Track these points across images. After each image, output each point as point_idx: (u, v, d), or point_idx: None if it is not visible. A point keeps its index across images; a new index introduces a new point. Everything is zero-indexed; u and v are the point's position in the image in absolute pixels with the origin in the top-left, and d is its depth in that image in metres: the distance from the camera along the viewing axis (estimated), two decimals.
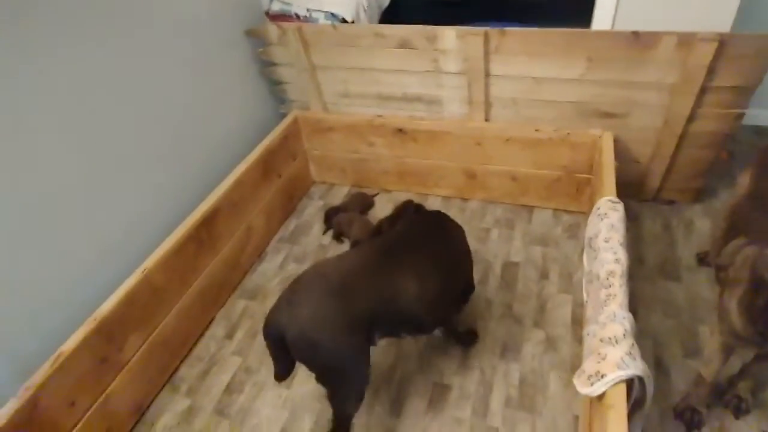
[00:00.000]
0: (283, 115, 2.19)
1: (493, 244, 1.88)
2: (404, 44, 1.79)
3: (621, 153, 1.80)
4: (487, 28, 1.65)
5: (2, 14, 1.18)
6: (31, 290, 1.31)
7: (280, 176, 2.07)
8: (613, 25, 1.66)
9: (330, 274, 1.17)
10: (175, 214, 1.69)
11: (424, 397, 1.43)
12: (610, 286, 1.20)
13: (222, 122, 1.96)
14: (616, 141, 1.76)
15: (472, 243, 1.88)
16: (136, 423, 1.46)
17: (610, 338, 1.08)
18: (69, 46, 1.33)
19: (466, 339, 1.52)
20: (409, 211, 1.56)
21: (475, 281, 1.73)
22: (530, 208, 2.01)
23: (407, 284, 1.20)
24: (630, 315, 1.13)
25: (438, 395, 1.43)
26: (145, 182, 1.63)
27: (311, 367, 1.17)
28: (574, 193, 1.90)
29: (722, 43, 1.47)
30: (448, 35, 1.71)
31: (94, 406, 1.31)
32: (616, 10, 1.69)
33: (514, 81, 1.76)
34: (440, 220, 1.40)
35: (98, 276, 1.47)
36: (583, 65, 1.64)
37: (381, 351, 1.56)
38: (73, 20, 1.33)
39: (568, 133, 1.77)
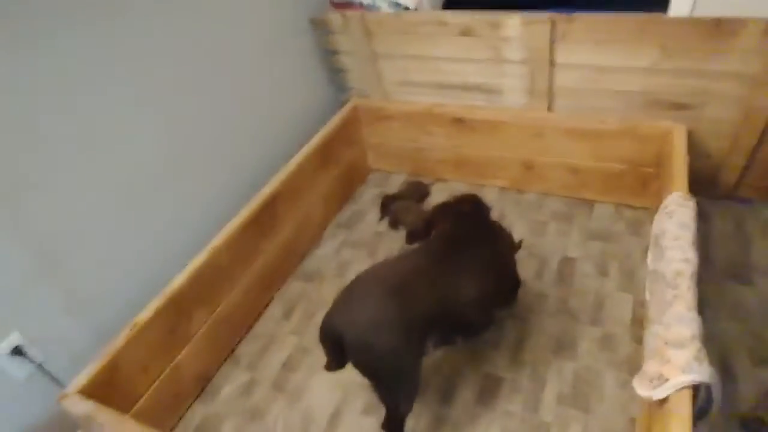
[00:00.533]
0: (343, 103, 2.23)
1: (549, 237, 1.84)
2: (467, 32, 1.77)
3: (692, 146, 1.71)
4: (554, 14, 1.60)
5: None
6: (110, 263, 1.42)
7: (338, 163, 2.11)
8: (692, 11, 1.56)
9: (388, 278, 1.18)
10: (240, 197, 1.76)
11: (474, 389, 1.43)
12: (677, 286, 1.16)
13: (284, 109, 2.02)
14: (687, 134, 1.67)
15: (528, 236, 1.86)
16: (202, 391, 1.55)
17: (675, 340, 1.05)
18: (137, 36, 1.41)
19: None
20: (452, 208, 1.49)
21: (531, 275, 1.71)
22: (590, 203, 1.95)
23: (465, 286, 1.21)
24: (698, 317, 1.09)
25: (488, 387, 1.43)
26: (214, 165, 1.71)
27: (366, 370, 1.17)
28: (639, 187, 1.83)
29: None
30: (513, 22, 1.67)
31: (165, 373, 1.41)
32: None
33: (580, 70, 1.70)
34: (484, 217, 1.40)
35: (169, 252, 1.56)
36: (655, 54, 1.56)
37: None
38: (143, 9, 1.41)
39: (635, 125, 1.70)
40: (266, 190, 1.72)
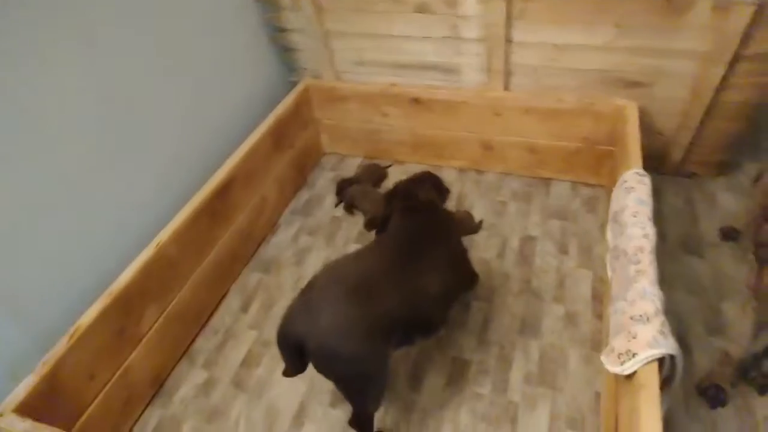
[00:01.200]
0: (294, 84, 2.13)
1: (510, 217, 1.84)
2: (422, 9, 1.71)
3: (644, 124, 1.74)
4: None
5: None
6: (50, 265, 1.29)
7: (292, 146, 2.02)
8: None
9: (348, 278, 1.13)
10: (188, 186, 1.64)
11: (443, 373, 1.42)
12: (638, 262, 1.17)
13: (232, 90, 1.90)
14: (640, 112, 1.70)
15: (489, 216, 1.85)
16: (155, 394, 1.46)
17: (641, 316, 1.06)
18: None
19: None
20: (409, 197, 1.40)
21: (493, 255, 1.71)
22: (548, 181, 1.96)
23: (427, 284, 1.17)
24: (660, 292, 1.11)
25: (457, 371, 1.42)
26: (158, 154, 1.58)
27: (331, 376, 1.12)
28: (595, 165, 1.86)
29: (761, 6, 1.40)
30: (470, 0, 1.63)
31: (114, 379, 1.30)
32: None
33: (536, 48, 1.69)
34: (441, 209, 1.38)
35: (114, 250, 1.44)
36: (611, 32, 1.57)
37: None
38: None
39: (592, 103, 1.71)
40: (218, 176, 1.62)
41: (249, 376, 1.48)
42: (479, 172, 2.06)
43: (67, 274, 1.33)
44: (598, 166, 1.86)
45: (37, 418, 1.07)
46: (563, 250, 1.70)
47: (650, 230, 1.24)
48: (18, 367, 1.17)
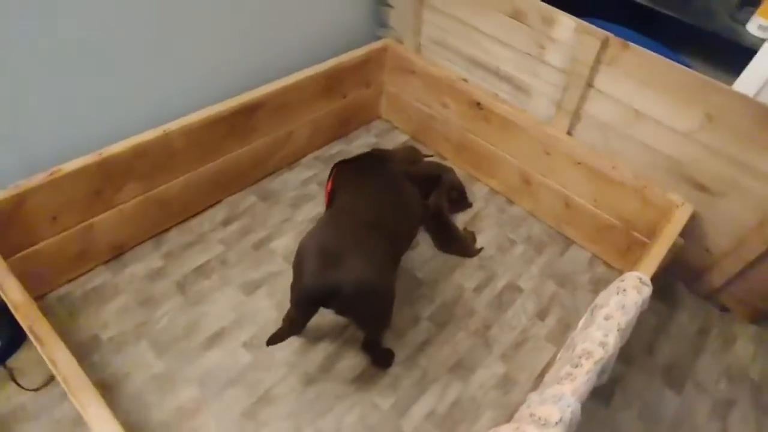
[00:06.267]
0: (377, 38, 2.07)
1: (511, 259, 1.74)
2: (517, 15, 1.58)
3: (694, 232, 1.55)
4: (609, 35, 1.41)
5: None
6: (67, 102, 1.36)
7: (344, 97, 1.99)
8: (757, 94, 1.36)
9: (359, 214, 1.25)
10: (232, 90, 1.65)
11: (356, 369, 1.40)
12: (577, 366, 1.07)
13: (316, 18, 1.87)
14: (694, 218, 1.51)
15: (492, 248, 1.76)
16: (111, 259, 1.55)
17: (539, 419, 0.97)
18: None
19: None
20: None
21: (471, 286, 1.63)
22: (569, 242, 1.82)
23: (412, 212, 1.42)
24: (578, 406, 1.01)
25: (370, 374, 1.39)
26: (217, 48, 1.61)
27: (362, 312, 1.20)
28: (623, 249, 1.69)
29: None
30: (566, 24, 1.48)
31: (75, 228, 1.39)
32: None
33: (614, 104, 1.52)
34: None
35: (134, 116, 1.48)
36: (698, 120, 1.38)
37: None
38: None
39: (646, 186, 1.54)
40: (247, 97, 1.62)
41: (195, 283, 1.54)
42: (509, 201, 1.94)
43: (79, 118, 1.40)
44: (626, 252, 1.69)
45: None
46: (541, 316, 1.59)
47: (612, 340, 1.12)
48: None
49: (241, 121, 1.64)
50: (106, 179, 1.40)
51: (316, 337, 1.45)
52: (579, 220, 1.75)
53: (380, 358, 1.41)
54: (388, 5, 1.98)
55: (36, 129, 1.34)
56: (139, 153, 1.42)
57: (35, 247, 1.33)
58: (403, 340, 1.48)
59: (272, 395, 1.32)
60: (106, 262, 1.55)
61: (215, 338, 1.42)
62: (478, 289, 1.63)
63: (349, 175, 1.45)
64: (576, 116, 1.63)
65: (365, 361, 1.41)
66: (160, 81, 1.53)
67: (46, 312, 1.09)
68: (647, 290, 1.24)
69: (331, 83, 1.88)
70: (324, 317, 1.35)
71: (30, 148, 1.34)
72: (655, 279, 1.30)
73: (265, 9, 1.68)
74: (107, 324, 1.41)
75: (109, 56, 1.38)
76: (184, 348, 1.39)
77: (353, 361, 1.41)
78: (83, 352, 1.34)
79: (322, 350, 1.43)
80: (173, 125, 1.47)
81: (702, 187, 1.48)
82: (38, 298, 1.41)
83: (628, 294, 1.21)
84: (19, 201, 1.24)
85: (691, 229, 1.52)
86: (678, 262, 1.59)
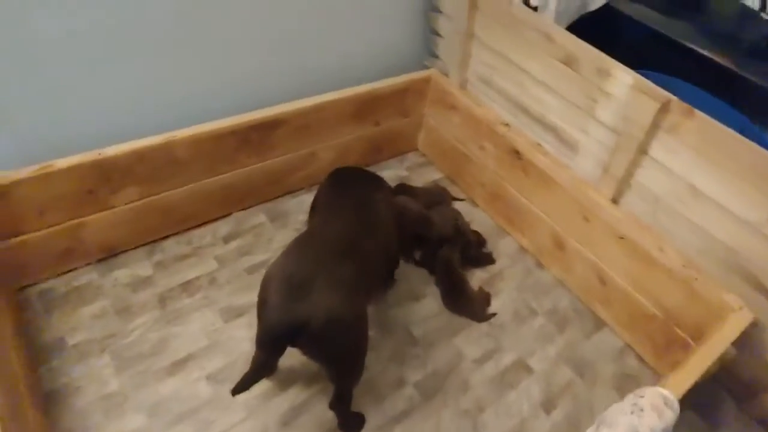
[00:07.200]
0: (424, 68, 1.95)
1: (525, 332, 1.52)
2: (569, 61, 1.40)
3: (751, 341, 1.28)
4: (672, 98, 1.19)
5: None
6: (77, 95, 1.34)
7: (377, 124, 1.88)
8: None
9: (329, 241, 1.13)
10: (263, 101, 1.59)
11: (320, 428, 1.24)
12: None
13: (363, 38, 1.79)
14: (754, 326, 1.24)
15: (507, 315, 1.55)
16: (99, 261, 1.50)
17: None
18: None
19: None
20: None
21: (475, 356, 1.44)
22: (600, 324, 1.57)
23: (383, 239, 1.27)
24: None
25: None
26: (251, 56, 1.57)
27: (332, 354, 1.06)
28: (662, 345, 1.43)
29: None
30: (622, 79, 1.28)
31: (63, 225, 1.36)
32: None
33: (669, 177, 1.29)
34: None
35: (146, 116, 1.45)
36: (767, 209, 1.13)
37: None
38: None
39: (697, 279, 1.29)
40: (263, 113, 1.54)
41: (177, 299, 1.46)
42: (538, 264, 1.72)
43: (86, 111, 1.37)
44: (664, 349, 1.43)
45: None
46: (547, 407, 1.36)
47: None
48: None
49: (257, 136, 1.57)
50: (103, 180, 1.35)
51: (288, 380, 1.32)
52: (614, 300, 1.51)
53: (348, 422, 1.24)
54: (438, 34, 1.85)
55: (38, 122, 1.32)
56: (138, 158, 1.37)
57: (20, 238, 1.30)
58: (380, 405, 1.31)
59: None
60: (97, 262, 1.50)
61: (180, 364, 1.32)
62: (479, 361, 1.43)
63: (322, 194, 1.36)
64: (624, 183, 1.41)
65: (333, 419, 1.26)
66: (174, 85, 1.48)
67: (22, 305, 1.03)
68: (671, 415, 1.00)
69: (363, 108, 1.77)
70: (299, 359, 1.21)
71: (30, 141, 1.32)
72: (696, 389, 1.06)
73: (305, 19, 1.61)
74: (77, 328, 1.35)
75: (144, 58, 1.36)
76: (145, 369, 1.30)
77: (319, 416, 1.26)
78: (45, 355, 1.28)
79: (289, 398, 1.29)
80: (178, 134, 1.41)
81: (763, 289, 1.21)
82: (19, 289, 1.38)
83: (645, 416, 0.98)
84: (3, 191, 1.21)
85: (746, 339, 1.25)
86: (729, 371, 1.32)
